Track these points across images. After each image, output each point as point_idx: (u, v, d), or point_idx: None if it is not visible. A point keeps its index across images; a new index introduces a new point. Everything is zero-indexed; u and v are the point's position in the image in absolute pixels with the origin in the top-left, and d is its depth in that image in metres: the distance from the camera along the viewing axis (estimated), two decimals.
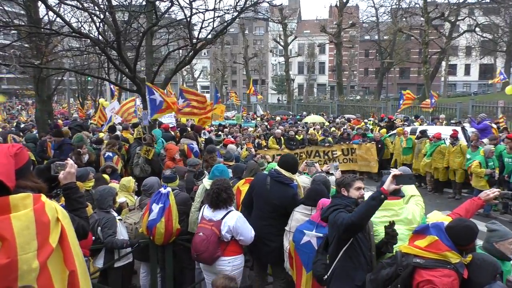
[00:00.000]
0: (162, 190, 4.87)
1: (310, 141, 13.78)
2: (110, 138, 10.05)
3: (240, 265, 4.43)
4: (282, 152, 12.31)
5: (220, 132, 14.13)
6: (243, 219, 4.37)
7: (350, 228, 3.12)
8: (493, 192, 3.46)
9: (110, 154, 8.70)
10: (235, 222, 4.26)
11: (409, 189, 3.97)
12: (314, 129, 16.33)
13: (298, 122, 20.82)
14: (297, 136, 14.00)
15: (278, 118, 24.19)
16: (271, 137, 13.62)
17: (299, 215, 4.23)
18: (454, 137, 10.97)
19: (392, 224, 3.23)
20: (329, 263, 3.40)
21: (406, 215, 3.62)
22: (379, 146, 13.61)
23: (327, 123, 20.11)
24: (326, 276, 3.36)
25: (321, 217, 3.58)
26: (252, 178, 5.14)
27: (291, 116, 26.28)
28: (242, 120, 22.53)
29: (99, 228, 4.73)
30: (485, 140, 10.50)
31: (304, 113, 29.39)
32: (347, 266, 3.25)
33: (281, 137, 13.53)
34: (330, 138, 14.28)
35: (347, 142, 14.04)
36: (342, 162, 13.76)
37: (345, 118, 21.77)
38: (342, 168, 12.38)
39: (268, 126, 17.52)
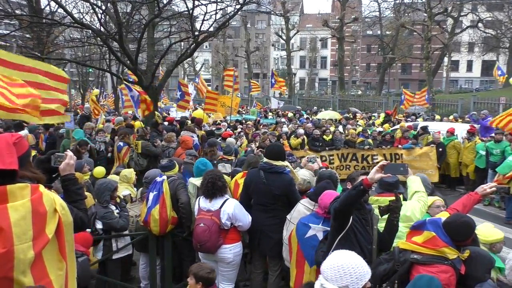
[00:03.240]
0: (158, 178, 4.93)
1: (347, 143, 11.91)
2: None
3: (239, 252, 4.56)
4: (305, 154, 11.05)
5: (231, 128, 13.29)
6: (240, 206, 4.51)
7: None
8: (490, 186, 3.46)
9: (121, 144, 8.73)
10: (233, 209, 4.40)
11: (414, 185, 3.97)
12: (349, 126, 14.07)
13: (309, 118, 19.00)
14: (324, 137, 12.09)
15: (290, 114, 21.70)
16: (292, 136, 12.17)
17: (302, 207, 4.25)
18: (470, 133, 11.09)
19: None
20: (326, 251, 3.44)
21: (404, 212, 3.62)
22: (440, 150, 11.21)
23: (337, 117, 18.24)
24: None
25: (328, 209, 3.61)
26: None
27: (297, 111, 24.34)
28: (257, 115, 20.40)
29: (96, 220, 4.75)
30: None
31: (315, 107, 28.22)
32: None
33: (304, 137, 11.99)
34: (370, 140, 12.27)
35: (388, 147, 11.91)
36: None
37: (351, 113, 21.02)
38: None
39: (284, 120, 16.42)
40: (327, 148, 11.67)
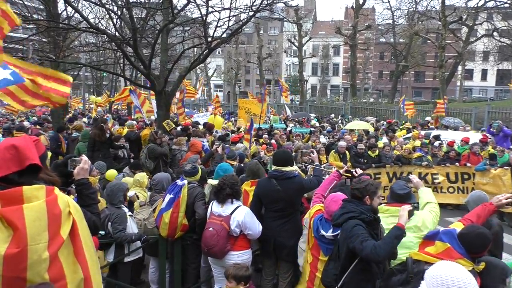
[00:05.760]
0: (178, 182, 4.91)
1: (400, 159, 10.25)
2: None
3: (248, 259, 4.54)
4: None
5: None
6: (251, 214, 4.49)
7: (372, 260, 3.08)
8: (506, 197, 3.40)
9: None
10: (243, 217, 4.38)
11: (426, 196, 3.91)
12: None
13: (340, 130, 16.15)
14: (370, 152, 10.38)
15: (313, 121, 20.01)
16: (332, 152, 10.49)
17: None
18: (483, 142, 10.92)
19: None
20: (339, 274, 3.35)
21: (416, 222, 3.58)
22: None
23: (372, 129, 15.91)
24: (337, 287, 3.35)
25: (333, 222, 3.54)
26: (256, 180, 5.14)
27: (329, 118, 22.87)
28: (282, 122, 19.15)
29: (110, 223, 4.77)
30: None
31: (332, 115, 26.60)
32: (358, 278, 3.23)
33: (346, 152, 10.38)
34: (429, 157, 10.46)
35: (456, 164, 10.08)
36: (447, 192, 9.92)
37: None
38: (449, 201, 9.86)
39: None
40: (373, 165, 10.01)
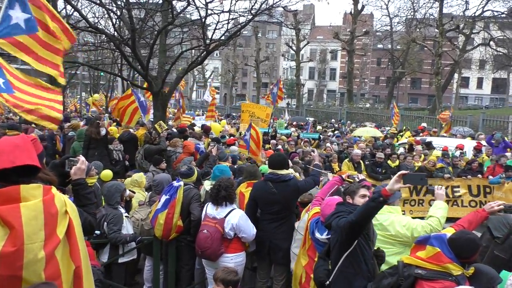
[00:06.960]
0: (174, 183, 4.92)
1: (422, 171, 9.12)
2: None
3: (242, 262, 4.56)
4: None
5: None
6: (245, 217, 4.51)
7: (351, 227, 3.14)
8: (498, 204, 3.45)
9: None
10: (238, 220, 4.40)
11: (432, 210, 3.88)
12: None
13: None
14: (390, 162, 9.82)
15: (319, 127, 19.18)
16: (345, 160, 9.84)
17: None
18: (477, 150, 10.97)
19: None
20: (331, 269, 3.41)
21: (382, 221, 3.68)
22: None
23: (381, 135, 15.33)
24: (328, 282, 3.39)
25: (325, 224, 3.60)
26: (253, 181, 5.18)
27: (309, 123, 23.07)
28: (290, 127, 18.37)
29: (105, 223, 4.78)
30: (508, 154, 10.43)
31: (333, 120, 26.20)
32: (347, 272, 3.28)
33: (361, 161, 9.66)
34: (450, 168, 9.99)
35: (479, 176, 9.57)
36: (468, 206, 9.34)
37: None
38: None
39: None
40: (392, 177, 9.68)
